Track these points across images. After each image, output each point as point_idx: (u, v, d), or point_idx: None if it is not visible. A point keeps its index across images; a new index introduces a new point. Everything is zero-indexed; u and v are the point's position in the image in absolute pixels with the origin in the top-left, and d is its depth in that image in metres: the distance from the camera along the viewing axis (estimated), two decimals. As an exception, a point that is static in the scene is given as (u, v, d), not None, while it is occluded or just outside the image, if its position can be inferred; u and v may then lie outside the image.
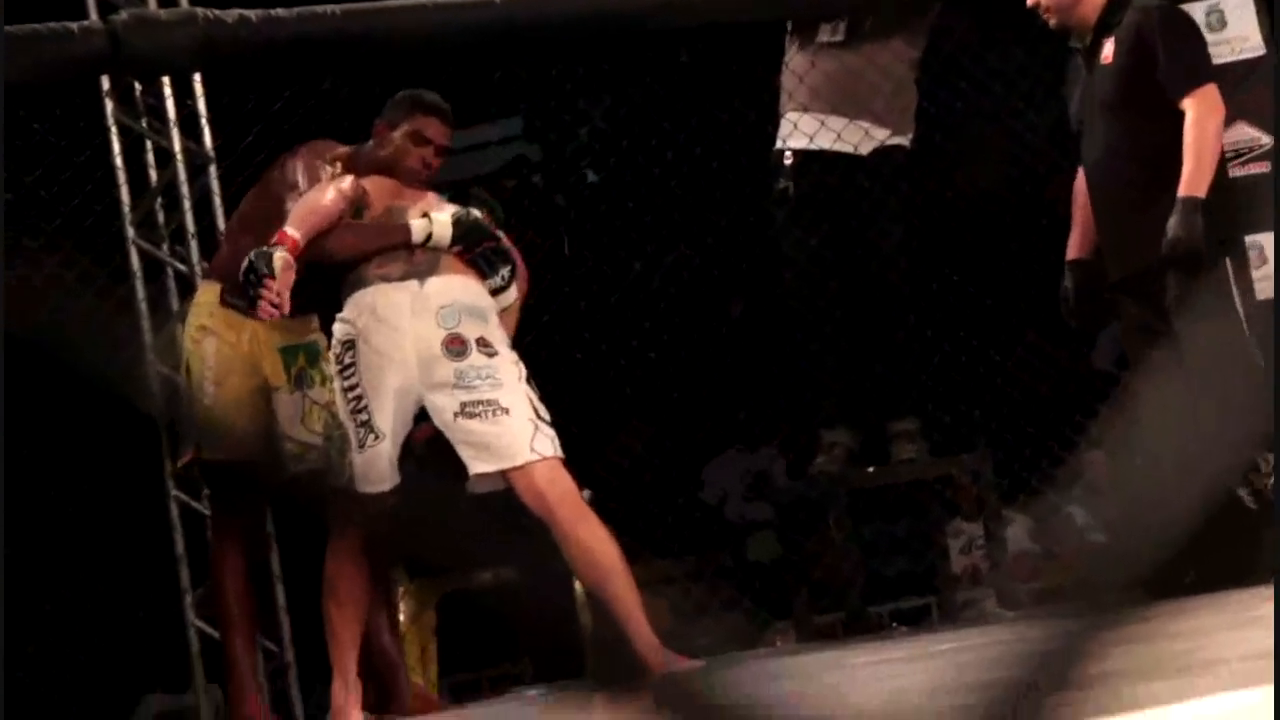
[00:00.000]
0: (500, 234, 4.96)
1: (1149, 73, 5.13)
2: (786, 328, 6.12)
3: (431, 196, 5.03)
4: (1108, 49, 5.21)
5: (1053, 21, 5.30)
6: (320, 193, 4.84)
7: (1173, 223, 5.00)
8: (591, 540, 4.63)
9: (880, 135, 6.04)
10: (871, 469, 5.99)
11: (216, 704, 5.69)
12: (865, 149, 6.03)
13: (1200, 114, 5.06)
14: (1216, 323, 5.03)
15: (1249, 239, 5.66)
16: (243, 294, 4.73)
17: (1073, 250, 5.42)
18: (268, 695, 5.64)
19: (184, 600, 5.82)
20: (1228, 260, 5.12)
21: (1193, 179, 5.01)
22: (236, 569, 5.12)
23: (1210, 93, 5.10)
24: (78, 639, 6.58)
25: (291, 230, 4.73)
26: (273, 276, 4.62)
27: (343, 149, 5.22)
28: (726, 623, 6.28)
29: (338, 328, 4.76)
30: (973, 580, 7.13)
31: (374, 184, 4.97)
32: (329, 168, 5.12)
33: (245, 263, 4.69)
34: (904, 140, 6.11)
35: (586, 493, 5.58)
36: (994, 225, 6.66)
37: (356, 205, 4.88)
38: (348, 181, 4.90)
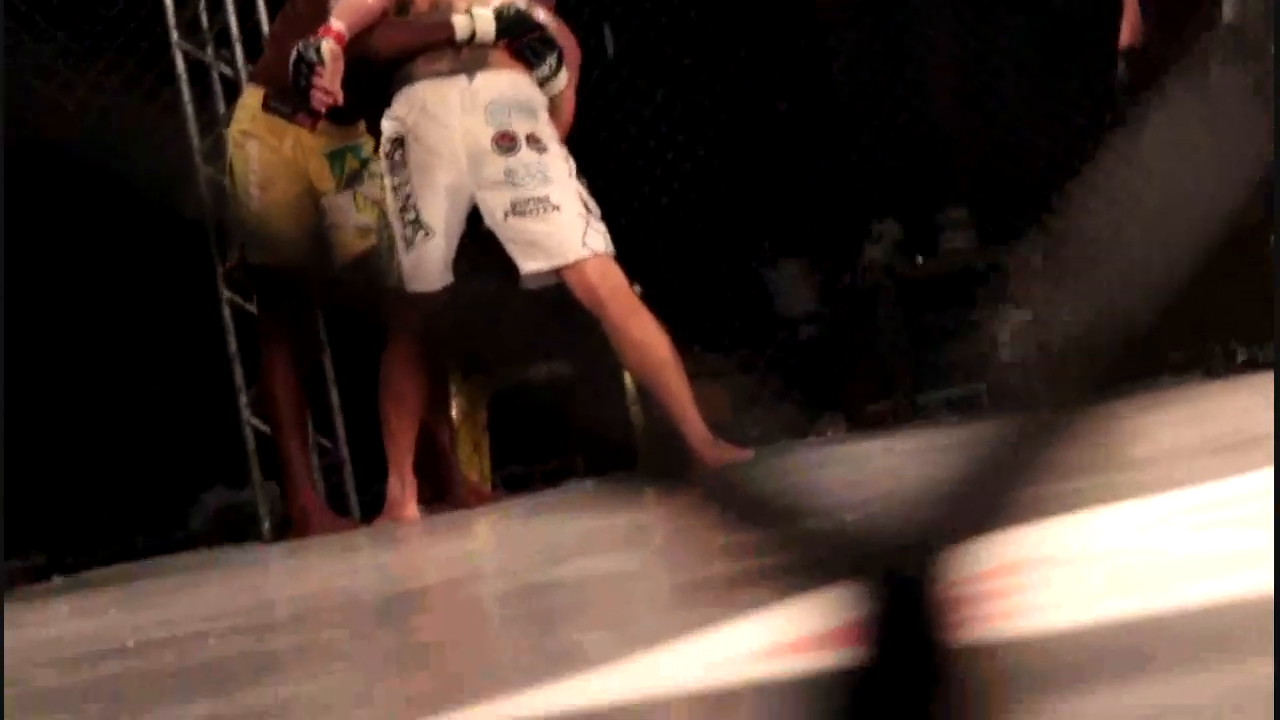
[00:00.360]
0: (546, 21, 4.91)
1: None
2: (834, 120, 6.10)
3: None
4: None
5: None
6: None
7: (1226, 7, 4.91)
8: (642, 334, 4.65)
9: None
10: (920, 258, 5.98)
11: (272, 499, 5.77)
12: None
13: None
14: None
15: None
16: (294, 87, 4.72)
17: (1124, 37, 5.35)
18: (323, 490, 5.72)
19: (238, 399, 5.88)
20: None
21: None
22: (285, 371, 5.15)
23: None
24: (136, 439, 6.66)
25: (336, 23, 4.70)
26: (322, 64, 4.62)
27: None
28: (778, 414, 6.32)
29: (387, 124, 4.75)
30: (1023, 367, 7.12)
31: None
32: None
33: (294, 55, 4.68)
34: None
35: (637, 288, 5.60)
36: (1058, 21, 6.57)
37: (401, 2, 4.85)
38: None
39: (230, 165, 5.20)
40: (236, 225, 5.02)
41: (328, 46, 4.64)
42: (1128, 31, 5.35)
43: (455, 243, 4.72)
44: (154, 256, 6.02)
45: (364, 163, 5.16)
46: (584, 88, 5.32)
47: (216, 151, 5.87)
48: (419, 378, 4.81)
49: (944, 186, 6.09)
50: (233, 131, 5.22)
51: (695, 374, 4.88)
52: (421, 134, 4.68)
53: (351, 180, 5.16)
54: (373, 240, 5.00)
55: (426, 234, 4.68)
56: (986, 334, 6.38)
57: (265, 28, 6.14)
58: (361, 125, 5.18)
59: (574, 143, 4.94)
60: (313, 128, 5.08)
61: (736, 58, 7.47)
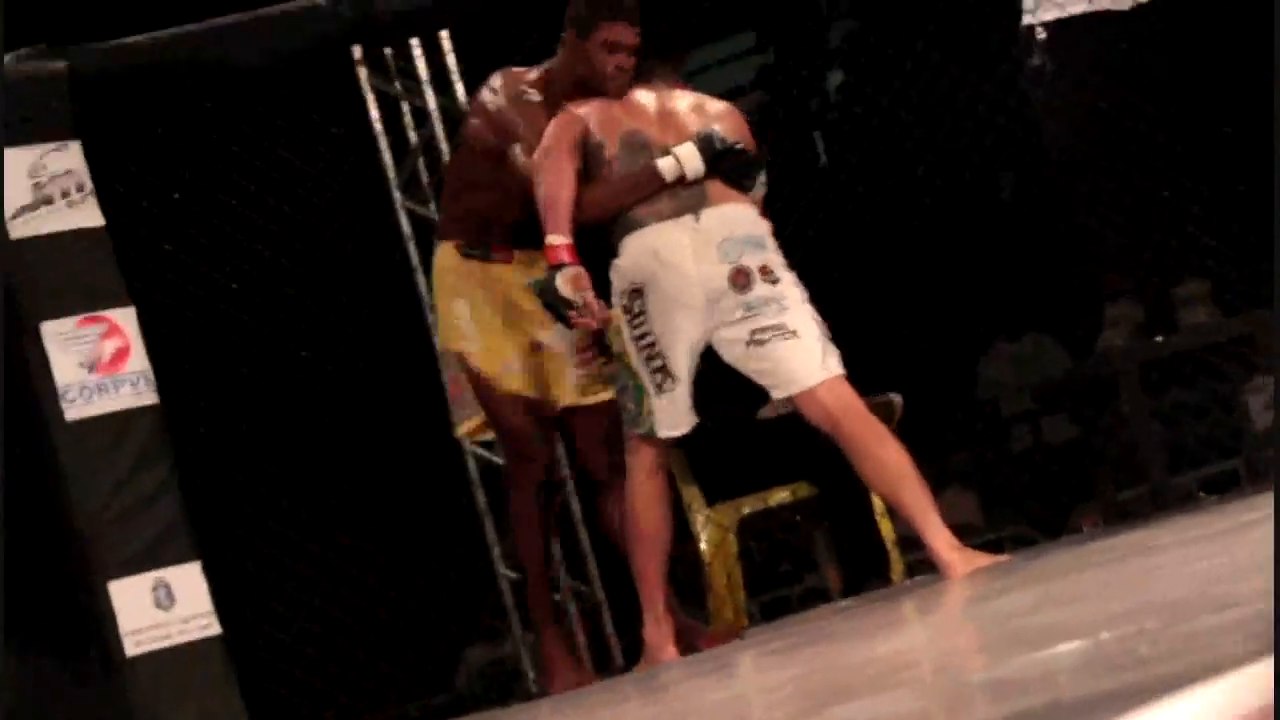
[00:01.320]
0: (737, 132, 4.90)
1: None
2: (1058, 205, 6.00)
3: (647, 96, 4.97)
4: None
5: None
6: (551, 173, 4.75)
7: None
8: (880, 450, 4.62)
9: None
10: (1160, 338, 5.85)
11: (534, 651, 5.80)
12: (1124, 4, 5.88)
13: None
14: None
15: None
16: (553, 318, 4.77)
17: None
18: (583, 635, 5.73)
19: (492, 553, 5.93)
20: None
21: None
22: (531, 514, 5.17)
23: None
24: (394, 603, 6.74)
25: (555, 238, 4.67)
26: (574, 306, 4.66)
27: (534, 73, 5.11)
28: (1030, 512, 6.23)
29: (619, 276, 4.76)
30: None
31: (592, 111, 4.90)
32: (532, 96, 5.05)
33: (539, 292, 4.72)
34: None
35: (897, 397, 5.56)
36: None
37: (589, 150, 4.85)
38: (570, 132, 4.82)
39: (441, 333, 5.22)
40: (465, 401, 5.09)
41: (570, 278, 4.64)
42: None
43: (693, 385, 4.74)
44: (399, 417, 6.11)
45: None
46: (800, 198, 5.31)
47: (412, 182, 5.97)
48: (664, 512, 4.81)
49: (1177, 260, 5.96)
50: (437, 298, 5.25)
51: (939, 480, 4.82)
52: (660, 283, 4.70)
53: (550, 309, 5.16)
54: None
55: (675, 380, 4.71)
56: (1238, 407, 6.23)
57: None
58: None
59: (795, 262, 4.93)
60: (510, 260, 5.11)
61: (952, 154, 7.43)
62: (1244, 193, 6.66)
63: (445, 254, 5.22)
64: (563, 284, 4.61)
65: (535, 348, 5.16)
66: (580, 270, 4.64)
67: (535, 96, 5.06)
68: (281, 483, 5.88)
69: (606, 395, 5.09)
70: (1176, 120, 5.92)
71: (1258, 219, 6.54)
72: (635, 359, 4.73)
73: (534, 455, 5.15)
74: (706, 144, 4.82)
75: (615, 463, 5.05)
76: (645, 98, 4.98)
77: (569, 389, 5.17)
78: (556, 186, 4.74)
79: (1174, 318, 5.92)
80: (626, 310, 4.73)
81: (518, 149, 4.96)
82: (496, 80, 5.13)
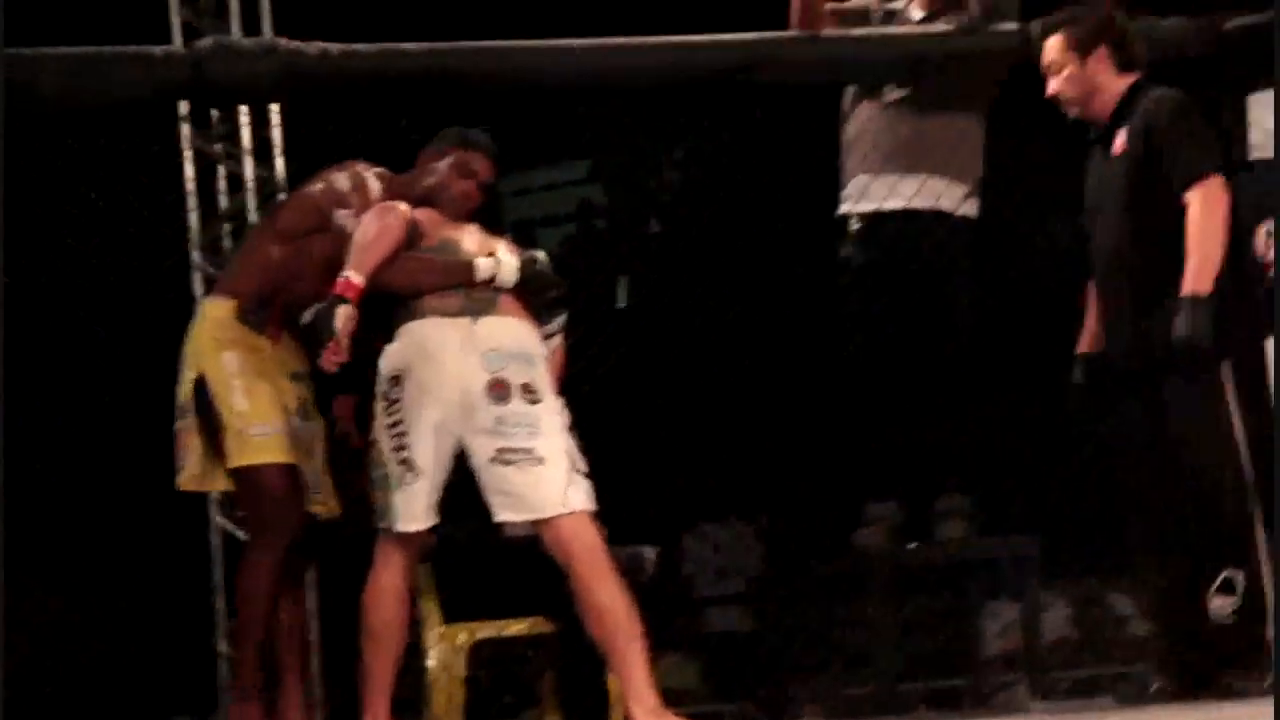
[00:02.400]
0: (558, 281, 4.96)
1: (1157, 163, 5.09)
2: (842, 394, 6.10)
3: (475, 228, 5.04)
4: (1120, 139, 5.19)
5: (1073, 112, 5.30)
6: (378, 222, 4.81)
7: (1179, 322, 4.94)
8: (603, 595, 4.63)
9: (954, 198, 6.03)
10: (914, 545, 5.96)
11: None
12: (936, 208, 6.02)
13: (1202, 208, 4.99)
14: (1204, 425, 4.98)
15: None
16: (304, 343, 4.75)
17: (1083, 343, 5.39)
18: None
19: (217, 629, 5.85)
20: (1226, 365, 5.06)
21: (1195, 275, 4.95)
22: (269, 581, 5.05)
23: (1214, 185, 5.03)
24: (107, 659, 6.62)
25: (354, 275, 4.71)
26: (335, 338, 4.64)
27: (384, 171, 5.21)
28: (756, 691, 6.29)
29: (385, 361, 4.76)
30: (1008, 665, 7.06)
31: (423, 214, 4.97)
32: (374, 184, 5.11)
33: (309, 317, 4.71)
34: (974, 205, 6.10)
35: (650, 551, 5.58)
36: (1056, 299, 6.64)
37: (410, 236, 4.88)
38: (403, 208, 4.89)
39: (201, 376, 5.10)
40: (227, 434, 5.00)
41: (343, 313, 4.66)
42: (1086, 337, 5.39)
43: (441, 483, 4.73)
44: (154, 475, 6.01)
45: (312, 393, 5.17)
46: (594, 339, 5.35)
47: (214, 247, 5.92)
48: (399, 614, 4.78)
49: (943, 473, 6.08)
50: (202, 343, 5.14)
51: (668, 643, 4.84)
52: (418, 372, 4.71)
53: (304, 410, 5.15)
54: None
55: (416, 474, 4.70)
56: (974, 628, 6.35)
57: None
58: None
59: (575, 395, 4.97)
60: (278, 339, 5.08)
61: (748, 320, 7.54)
62: (1020, 416, 6.83)
63: (218, 308, 5.16)
64: (338, 316, 4.62)
65: (294, 425, 5.11)
66: (356, 314, 4.65)
67: (377, 186, 5.11)
68: (28, 524, 5.78)
69: (320, 508, 5.10)
70: (972, 336, 6.05)
71: (1024, 445, 6.71)
72: (385, 447, 4.73)
73: (286, 517, 5.07)
74: (529, 262, 4.88)
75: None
76: (473, 226, 5.05)
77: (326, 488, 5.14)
78: (376, 236, 4.77)
79: (930, 528, 6.03)
80: (384, 397, 4.74)
81: (345, 214, 4.98)
82: (347, 164, 5.21)
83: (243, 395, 5.06)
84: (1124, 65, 5.27)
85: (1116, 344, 5.21)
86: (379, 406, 4.76)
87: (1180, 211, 5.03)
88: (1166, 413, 5.07)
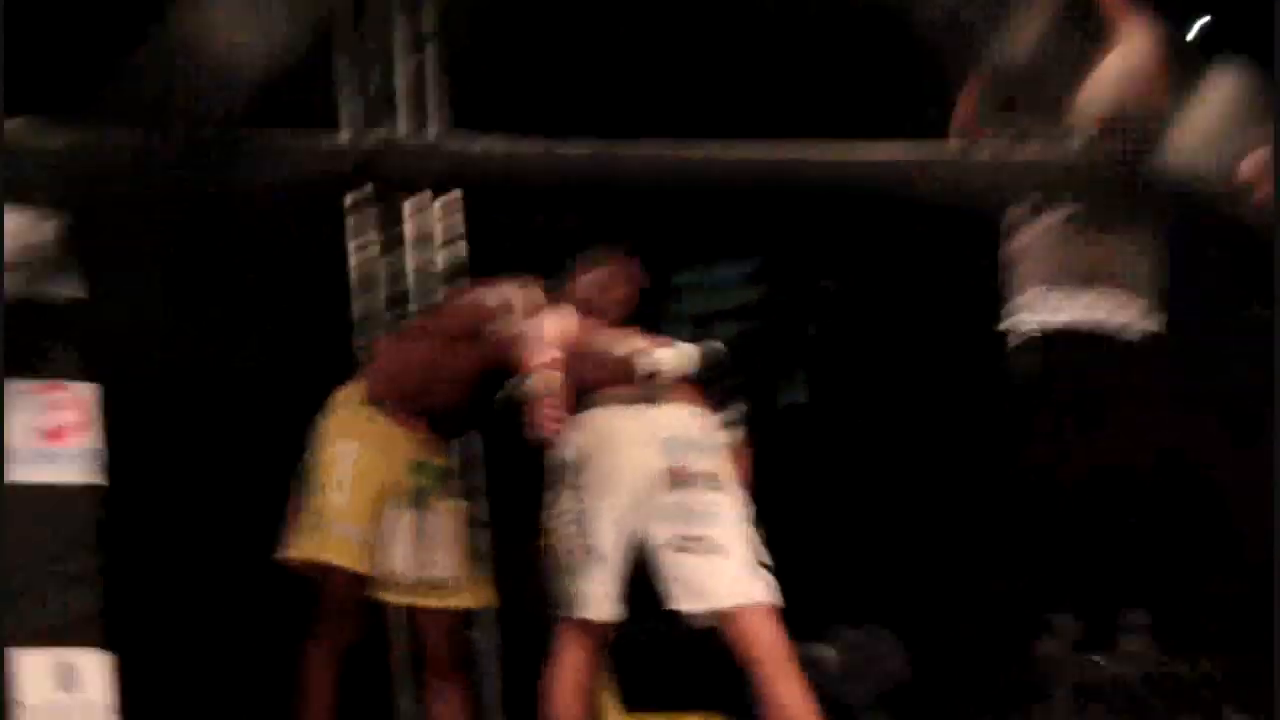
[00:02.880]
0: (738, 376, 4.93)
1: None
2: (1023, 508, 5.97)
3: (637, 332, 5.01)
4: None
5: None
6: (553, 320, 4.78)
7: None
8: (787, 697, 4.55)
9: (1132, 312, 5.90)
10: (1097, 658, 5.82)
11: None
12: (1117, 323, 5.88)
13: None
14: None
15: None
16: (513, 418, 4.71)
17: None
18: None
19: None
20: None
21: None
22: (326, 665, 5.06)
23: None
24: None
25: (548, 351, 4.63)
26: (542, 399, 4.55)
27: (541, 288, 5.20)
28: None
29: (565, 449, 4.71)
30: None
31: (586, 322, 4.94)
32: (536, 297, 5.09)
33: (512, 389, 4.64)
34: (1159, 320, 5.98)
35: (830, 652, 5.46)
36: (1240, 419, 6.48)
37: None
38: (569, 311, 4.84)
39: (317, 460, 5.12)
40: (313, 521, 4.98)
41: (548, 378, 4.52)
42: None
43: (621, 573, 4.65)
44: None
45: (438, 479, 5.11)
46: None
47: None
48: (581, 706, 4.70)
49: (1126, 586, 5.93)
50: (329, 425, 5.16)
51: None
52: (598, 459, 4.64)
53: (420, 497, 5.11)
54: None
55: (600, 561, 4.61)
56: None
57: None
58: (449, 444, 5.18)
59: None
60: (412, 428, 4.99)
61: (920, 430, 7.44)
62: (1205, 538, 6.64)
63: (349, 392, 5.20)
64: (537, 380, 4.49)
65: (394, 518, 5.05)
66: (560, 379, 4.52)
67: (539, 298, 5.09)
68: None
69: (448, 601, 5.09)
70: (1156, 450, 5.89)
71: (1210, 565, 6.51)
72: (566, 534, 4.67)
73: (343, 619, 5.08)
74: (710, 353, 4.81)
75: (454, 660, 5.05)
76: (632, 331, 5.00)
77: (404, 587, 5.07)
78: (551, 331, 4.76)
79: (1115, 640, 5.91)
80: (566, 484, 4.69)
81: (510, 319, 4.95)
82: (506, 278, 5.19)
83: (340, 490, 4.99)
84: None
85: None
86: (560, 494, 4.69)
87: None
88: None
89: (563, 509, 4.75)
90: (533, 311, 4.98)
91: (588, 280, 5.17)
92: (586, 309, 5.04)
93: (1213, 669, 5.82)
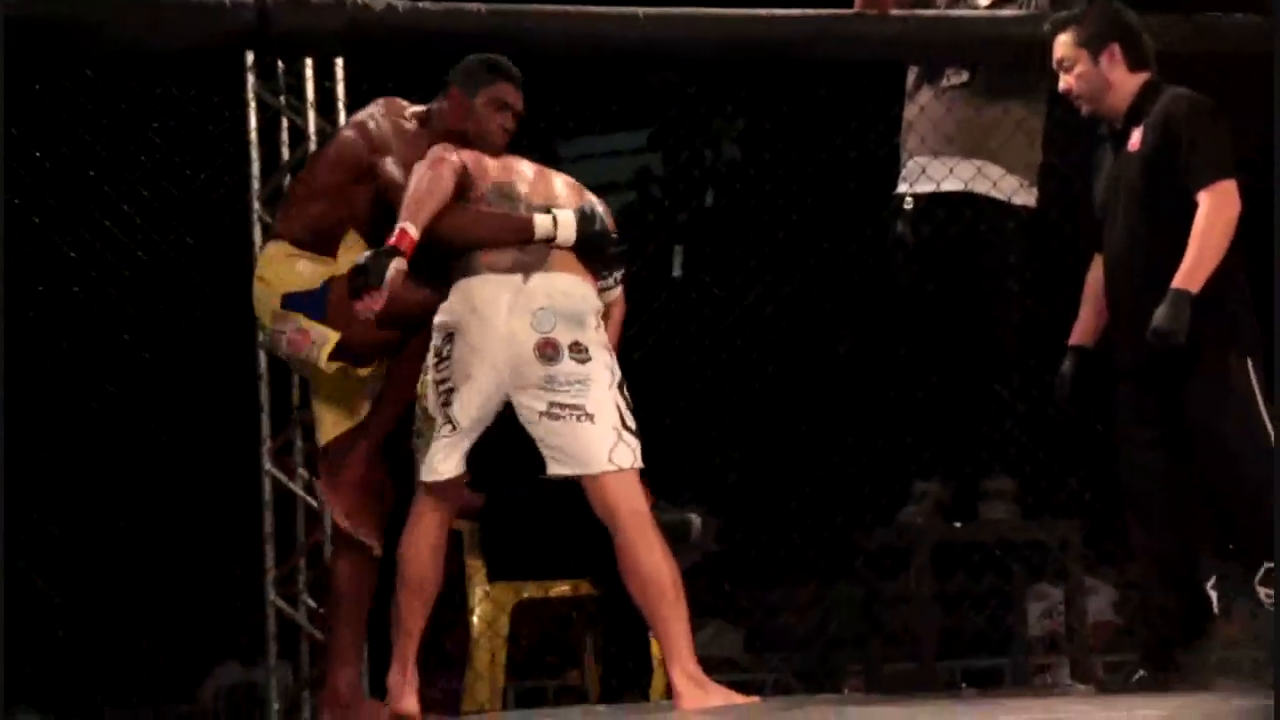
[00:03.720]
0: (614, 231, 4.95)
1: (1174, 162, 5.10)
2: (892, 372, 6.10)
3: (524, 166, 5.04)
4: (1136, 136, 5.20)
5: (1085, 109, 5.32)
6: (431, 173, 4.79)
7: (1159, 313, 4.97)
8: (647, 559, 4.64)
9: (1010, 185, 6.02)
10: (959, 524, 5.96)
11: (286, 683, 5.75)
12: (993, 194, 6.02)
13: (1211, 208, 5.02)
14: (1235, 422, 5.00)
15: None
16: (349, 291, 4.74)
17: (1076, 335, 5.42)
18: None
19: (266, 577, 5.89)
20: (1249, 362, 5.08)
21: (1189, 272, 4.98)
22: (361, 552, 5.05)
23: (1226, 189, 5.05)
24: (157, 602, 6.66)
25: (410, 226, 4.70)
26: (380, 288, 4.64)
27: (418, 108, 5.22)
28: (796, 662, 6.30)
29: (439, 318, 4.78)
30: (1050, 646, 7.06)
31: (470, 157, 4.95)
32: (411, 125, 5.10)
33: (359, 262, 4.70)
34: (1031, 194, 6.10)
35: (696, 517, 5.58)
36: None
37: (460, 183, 4.87)
38: (454, 157, 4.87)
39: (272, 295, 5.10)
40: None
41: (395, 268, 4.65)
42: (1080, 330, 5.41)
43: (476, 436, 4.74)
44: (209, 426, 6.06)
45: None
46: (649, 308, 5.36)
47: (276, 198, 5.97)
48: (437, 569, 4.80)
49: (992, 454, 6.08)
50: (266, 271, 5.13)
51: (711, 611, 4.83)
52: (468, 332, 4.72)
53: None
54: None
55: (454, 429, 4.72)
56: (1016, 609, 6.35)
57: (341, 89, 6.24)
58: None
59: (629, 363, 4.98)
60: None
61: (802, 295, 7.54)
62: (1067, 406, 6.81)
63: (278, 248, 5.12)
64: (390, 268, 4.61)
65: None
66: (405, 268, 4.65)
67: (413, 126, 5.14)
68: (84, 462, 5.82)
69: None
70: (1024, 321, 6.05)
71: (1070, 430, 6.70)
72: (430, 403, 4.75)
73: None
74: (587, 219, 4.87)
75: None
76: (520, 162, 5.05)
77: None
78: (428, 189, 4.77)
79: (976, 507, 6.04)
80: (436, 353, 4.76)
81: (389, 161, 4.99)
82: (379, 104, 5.22)
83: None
84: (1136, 63, 5.29)
85: (1130, 336, 5.21)
86: (430, 361, 4.78)
87: (1192, 211, 5.05)
88: (1189, 406, 5.08)
89: (432, 377, 4.79)
90: (409, 148, 4.99)
91: (466, 110, 5.11)
92: (467, 141, 5.04)
93: (1069, 533, 5.97)
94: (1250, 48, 6.16)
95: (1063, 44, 5.32)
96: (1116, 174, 5.27)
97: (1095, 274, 5.39)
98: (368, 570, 5.07)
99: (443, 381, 4.74)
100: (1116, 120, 5.29)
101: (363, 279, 4.64)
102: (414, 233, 4.70)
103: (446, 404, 4.72)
